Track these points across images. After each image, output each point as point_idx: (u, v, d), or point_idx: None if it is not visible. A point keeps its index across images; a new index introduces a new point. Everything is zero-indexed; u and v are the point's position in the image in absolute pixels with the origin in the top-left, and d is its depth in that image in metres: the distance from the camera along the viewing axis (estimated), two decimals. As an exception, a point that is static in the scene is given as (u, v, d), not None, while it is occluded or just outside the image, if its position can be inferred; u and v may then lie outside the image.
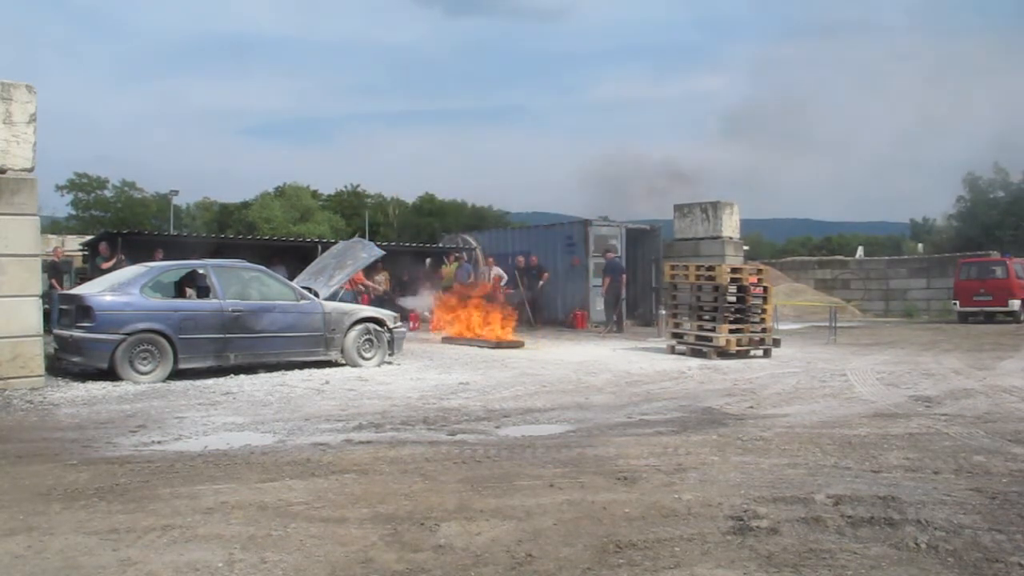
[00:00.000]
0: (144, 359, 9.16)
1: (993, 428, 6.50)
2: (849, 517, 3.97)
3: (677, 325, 13.58)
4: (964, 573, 3.31)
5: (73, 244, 25.83)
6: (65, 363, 9.61)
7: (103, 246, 14.97)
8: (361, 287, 16.85)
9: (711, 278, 12.95)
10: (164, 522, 3.89)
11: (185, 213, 53.26)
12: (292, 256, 17.17)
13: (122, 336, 9.05)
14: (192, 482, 4.67)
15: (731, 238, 20.77)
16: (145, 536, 3.69)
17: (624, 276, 18.37)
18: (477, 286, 17.16)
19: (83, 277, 15.84)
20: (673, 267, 14.13)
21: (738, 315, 12.68)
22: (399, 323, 11.49)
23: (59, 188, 49.98)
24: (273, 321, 10.13)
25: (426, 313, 19.45)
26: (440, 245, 23.70)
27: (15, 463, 5.22)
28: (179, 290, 10.40)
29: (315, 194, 57.57)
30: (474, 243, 22.20)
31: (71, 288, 13.30)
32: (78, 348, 9.19)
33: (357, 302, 14.03)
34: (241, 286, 10.21)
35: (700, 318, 13.05)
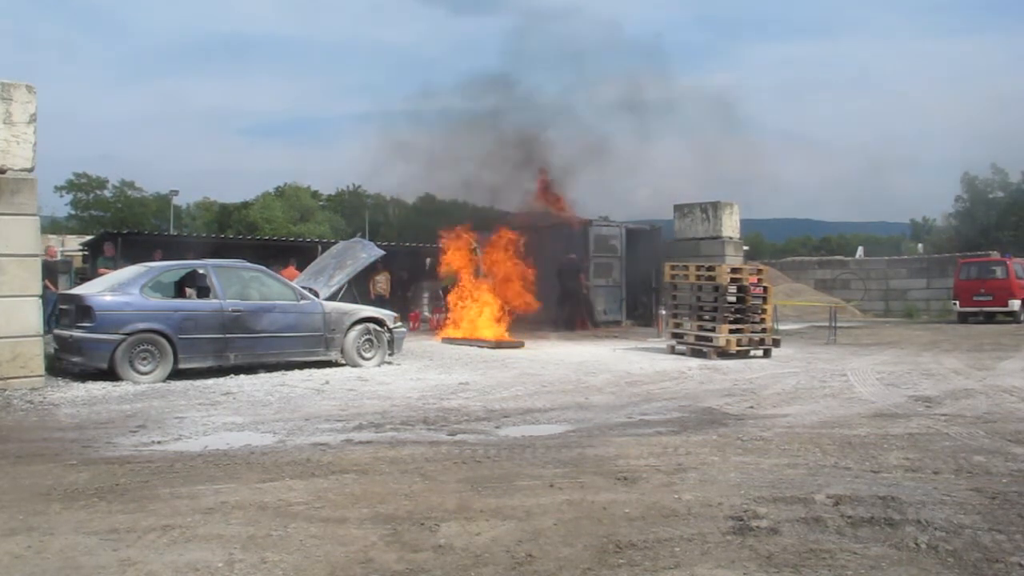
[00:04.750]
0: (144, 359, 9.16)
1: (993, 428, 6.50)
2: (849, 517, 3.97)
3: (677, 325, 13.59)
4: (964, 573, 3.31)
5: (73, 244, 25.85)
6: (65, 363, 9.61)
7: (108, 246, 14.90)
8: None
9: (711, 278, 12.95)
10: (164, 522, 3.89)
11: (185, 213, 53.30)
12: (292, 256, 17.17)
13: (122, 336, 9.05)
14: (192, 482, 4.67)
15: (731, 238, 20.77)
16: (145, 536, 3.69)
17: (582, 276, 18.52)
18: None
19: (83, 277, 15.82)
20: (673, 267, 14.13)
21: (738, 315, 12.68)
22: (399, 323, 11.49)
23: (58, 189, 50.07)
24: (273, 321, 10.13)
25: (425, 313, 19.46)
26: (440, 245, 23.65)
27: (15, 463, 5.22)
28: (179, 290, 10.40)
29: (315, 194, 57.59)
30: (474, 243, 22.16)
31: (70, 288, 13.30)
32: (78, 348, 9.19)
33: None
34: (241, 286, 10.21)
35: (700, 318, 13.05)
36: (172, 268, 10.36)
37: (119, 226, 36.61)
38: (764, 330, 12.87)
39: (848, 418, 7.04)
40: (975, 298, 22.08)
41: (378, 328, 10.97)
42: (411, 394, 8.46)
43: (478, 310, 15.24)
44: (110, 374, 9.07)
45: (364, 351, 10.79)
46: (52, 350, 9.64)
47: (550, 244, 20.55)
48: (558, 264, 18.52)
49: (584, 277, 18.77)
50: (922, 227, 53.66)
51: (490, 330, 14.71)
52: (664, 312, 15.65)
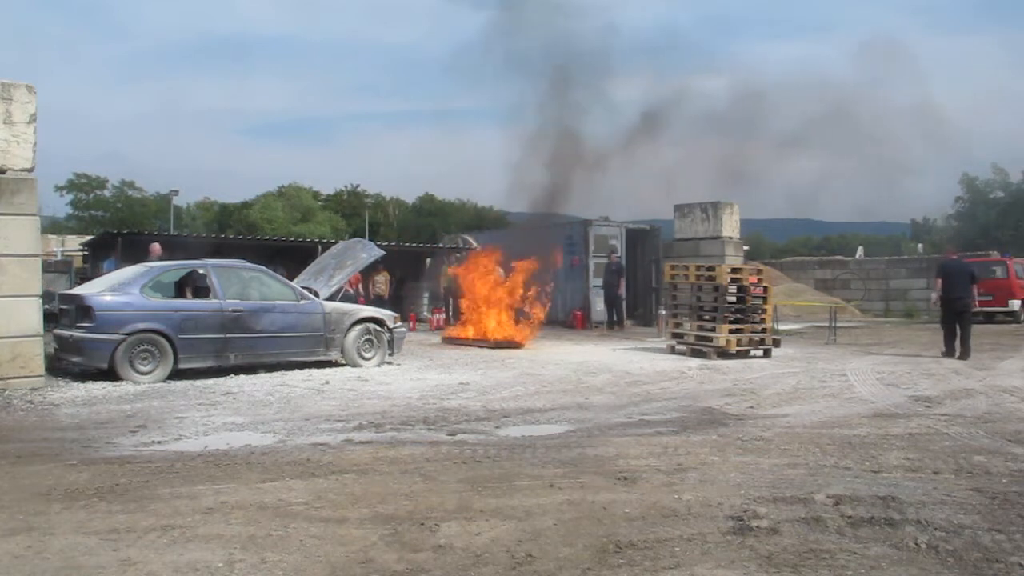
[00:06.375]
0: (144, 359, 9.16)
1: (993, 428, 6.50)
2: (849, 517, 3.97)
3: (677, 325, 13.58)
4: (964, 573, 3.31)
5: (73, 244, 25.86)
6: (65, 363, 9.61)
7: (156, 247, 14.14)
8: (351, 291, 16.73)
9: (711, 278, 12.95)
10: (164, 522, 3.89)
11: (185, 213, 53.27)
12: (292, 256, 17.17)
13: (122, 336, 9.05)
14: (192, 482, 4.67)
15: (731, 238, 20.78)
16: (145, 536, 3.69)
17: (621, 279, 18.57)
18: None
19: (83, 277, 15.78)
20: (673, 267, 14.13)
21: (738, 315, 12.68)
22: (399, 323, 11.49)
23: (58, 188, 50.04)
24: (273, 321, 10.14)
25: (424, 313, 19.46)
26: (440, 245, 23.70)
27: (15, 463, 5.22)
28: (179, 290, 10.40)
29: (316, 194, 57.59)
30: (474, 243, 22.20)
31: (70, 288, 13.28)
32: (78, 348, 9.19)
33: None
34: (241, 286, 10.21)
35: (700, 318, 13.05)
36: (172, 268, 10.36)
37: (119, 226, 36.56)
38: (764, 330, 12.87)
39: (848, 418, 7.04)
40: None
41: (378, 328, 10.97)
42: (411, 394, 8.46)
43: (486, 312, 15.17)
44: (110, 374, 9.07)
45: (364, 351, 10.80)
46: (52, 350, 9.64)
47: (550, 243, 20.55)
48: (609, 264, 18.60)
49: (623, 280, 18.69)
50: (922, 227, 53.63)
51: (497, 330, 14.63)
52: (664, 312, 15.65)
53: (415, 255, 22.59)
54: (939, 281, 12.86)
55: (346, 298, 14.53)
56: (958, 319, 12.53)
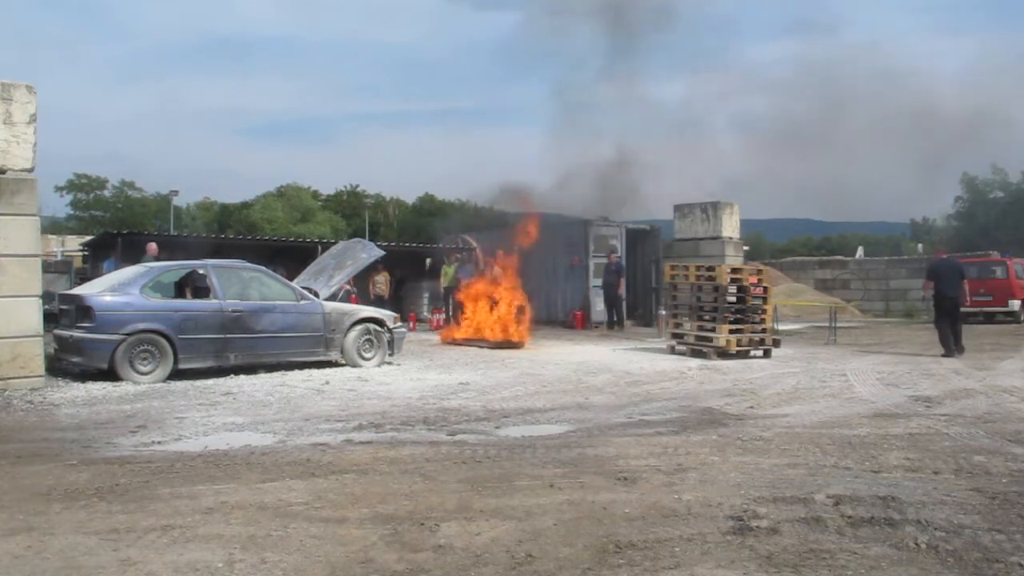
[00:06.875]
0: (144, 359, 9.16)
1: (993, 428, 6.50)
2: (849, 517, 3.97)
3: (677, 325, 13.58)
4: (964, 573, 3.31)
5: (73, 244, 25.85)
6: (65, 363, 9.61)
7: (152, 246, 14.12)
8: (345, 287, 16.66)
9: (711, 278, 12.95)
10: (164, 522, 3.89)
11: (185, 213, 53.27)
12: (292, 256, 17.16)
13: (122, 336, 9.05)
14: (192, 482, 4.67)
15: (731, 238, 20.77)
16: (145, 536, 3.69)
17: (621, 279, 18.52)
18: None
19: (83, 277, 15.77)
20: (673, 267, 14.13)
21: (738, 315, 12.68)
22: (399, 323, 11.49)
23: (58, 189, 50.04)
24: (273, 321, 10.13)
25: (425, 313, 19.43)
26: (440, 245, 23.68)
27: (15, 463, 5.22)
28: (179, 290, 10.40)
29: (315, 195, 57.56)
30: (474, 243, 22.18)
31: (70, 288, 13.27)
32: (78, 348, 9.19)
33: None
34: (241, 286, 10.21)
35: (700, 318, 13.05)
36: (172, 268, 10.36)
37: (119, 226, 36.53)
38: (764, 330, 12.86)
39: (848, 418, 7.04)
40: (975, 298, 22.03)
41: (378, 328, 10.97)
42: (411, 394, 8.46)
43: (487, 310, 15.15)
44: (110, 374, 9.07)
45: (364, 351, 10.79)
46: (52, 350, 9.64)
47: (550, 243, 20.55)
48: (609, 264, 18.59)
49: (623, 280, 18.66)
50: (922, 227, 53.64)
51: (498, 330, 14.61)
52: (664, 312, 15.64)
53: (415, 255, 22.59)
54: (930, 283, 12.92)
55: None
56: (951, 317, 12.59)
